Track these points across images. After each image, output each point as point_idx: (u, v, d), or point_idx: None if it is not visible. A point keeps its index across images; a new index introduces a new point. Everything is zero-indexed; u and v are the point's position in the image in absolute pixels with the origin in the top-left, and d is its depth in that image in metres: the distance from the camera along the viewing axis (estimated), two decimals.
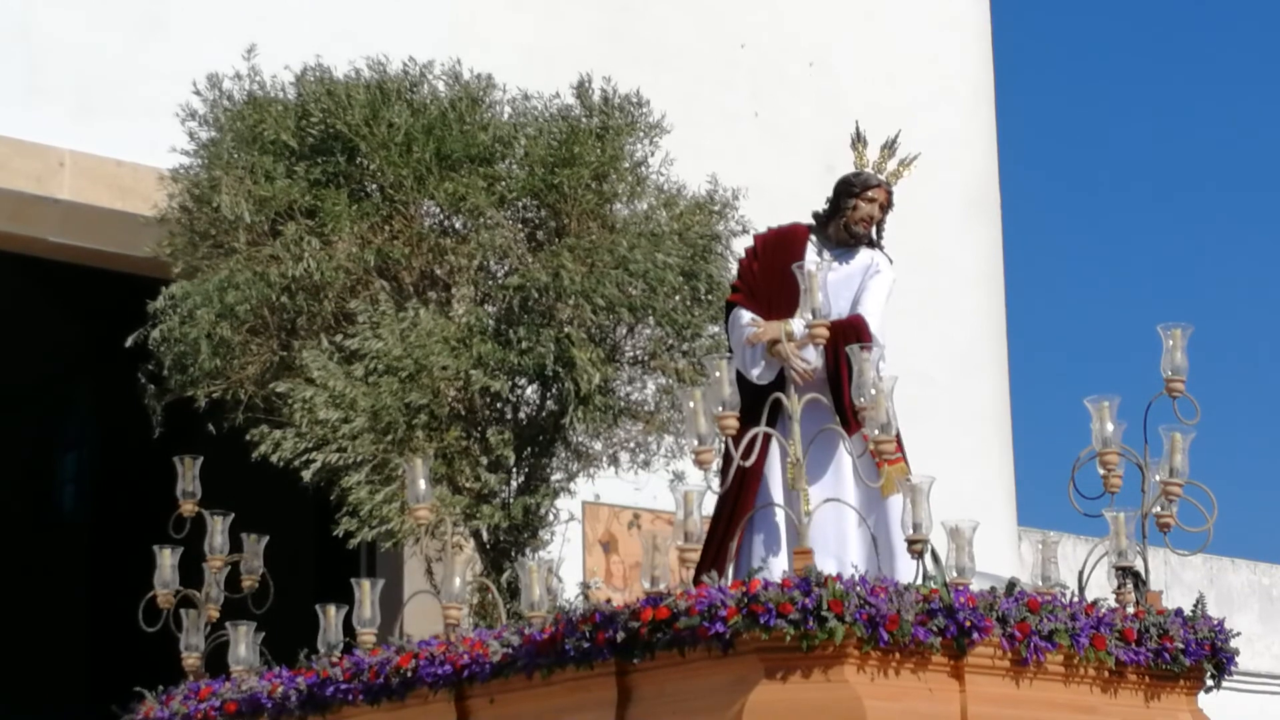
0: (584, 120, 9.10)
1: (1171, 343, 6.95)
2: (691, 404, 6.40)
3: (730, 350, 7.37)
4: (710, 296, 8.98)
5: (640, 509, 11.44)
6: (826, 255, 7.41)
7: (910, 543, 6.29)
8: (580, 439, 9.05)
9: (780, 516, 7.06)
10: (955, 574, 6.25)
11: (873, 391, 6.37)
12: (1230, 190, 30.27)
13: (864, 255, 7.49)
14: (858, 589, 5.88)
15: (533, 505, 8.80)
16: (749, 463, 6.55)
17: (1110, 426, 6.86)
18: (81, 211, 10.86)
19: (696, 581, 6.21)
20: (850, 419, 6.76)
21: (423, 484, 7.28)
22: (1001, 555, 12.64)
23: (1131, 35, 31.23)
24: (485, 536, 8.77)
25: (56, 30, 10.92)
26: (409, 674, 6.87)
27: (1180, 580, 14.46)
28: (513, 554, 8.72)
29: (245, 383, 8.78)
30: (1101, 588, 6.79)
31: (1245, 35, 30.69)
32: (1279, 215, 29.97)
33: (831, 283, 6.98)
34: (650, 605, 6.08)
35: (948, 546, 6.34)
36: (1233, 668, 6.88)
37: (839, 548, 6.98)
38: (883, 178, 7.49)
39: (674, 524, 6.31)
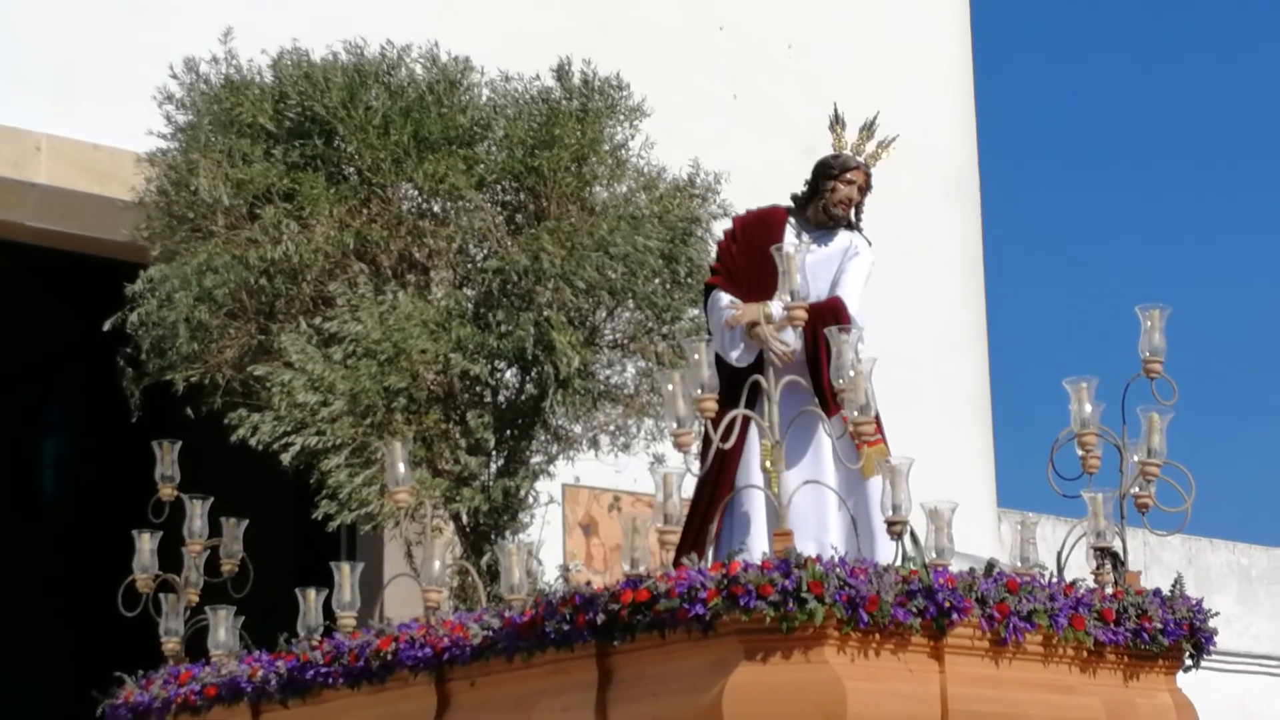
0: (564, 103, 9.08)
1: (1149, 324, 6.96)
2: (671, 387, 6.39)
3: (709, 333, 7.37)
4: (690, 279, 8.98)
5: (620, 491, 11.45)
6: (805, 237, 7.41)
7: (890, 524, 6.30)
8: (560, 422, 9.05)
9: (760, 499, 7.07)
10: (935, 555, 6.26)
11: (851, 373, 6.38)
12: (1208, 173, 30.33)
13: (843, 237, 7.50)
14: (837, 570, 5.88)
15: (513, 488, 8.80)
16: (728, 445, 6.56)
17: (1089, 408, 6.87)
18: (59, 196, 10.83)
19: (676, 564, 6.21)
20: (829, 401, 6.77)
21: (402, 467, 7.27)
22: (981, 536, 12.67)
23: (1110, 18, 31.27)
24: (465, 519, 8.77)
25: (34, 15, 10.87)
26: (389, 657, 6.87)
27: (1159, 560, 14.50)
28: (493, 537, 8.72)
29: (224, 366, 8.76)
30: (1080, 568, 6.81)
31: (1223, 20, 30.74)
32: (1255, 198, 30.05)
33: (810, 265, 6.98)
34: (630, 587, 6.08)
35: (927, 528, 6.35)
36: (1211, 647, 6.90)
37: (819, 529, 6.99)
38: (861, 160, 7.50)
39: (654, 506, 6.30)
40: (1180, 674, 6.90)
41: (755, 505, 7.12)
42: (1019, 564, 6.68)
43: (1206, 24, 30.77)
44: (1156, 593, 6.75)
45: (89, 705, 8.34)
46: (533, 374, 8.84)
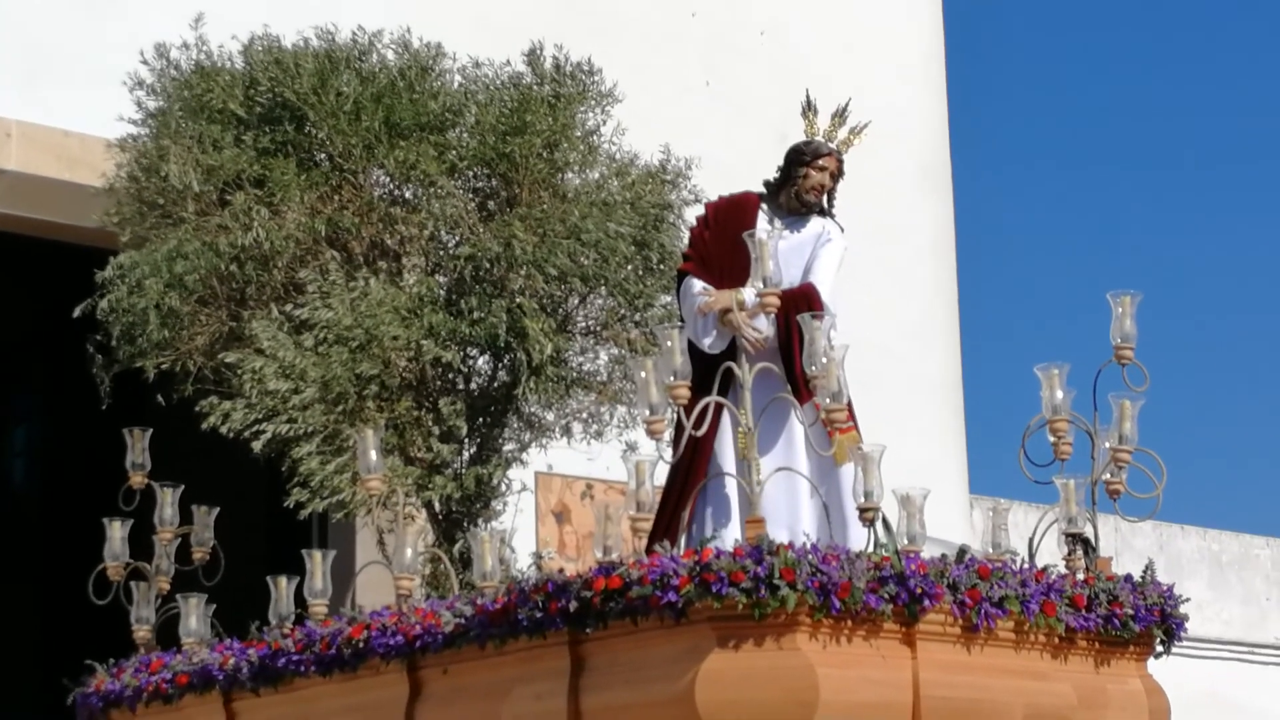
0: (535, 88, 9.07)
1: (1121, 310, 6.97)
2: (643, 374, 6.39)
3: (682, 320, 7.37)
4: (662, 266, 8.97)
5: (593, 479, 11.43)
6: (778, 224, 7.41)
7: (862, 511, 6.30)
8: (532, 409, 9.04)
9: (732, 486, 7.07)
10: (906, 541, 6.27)
11: (824, 360, 6.38)
12: (1183, 159, 30.42)
13: (815, 224, 7.51)
14: (810, 557, 5.89)
15: (485, 476, 8.79)
16: (700, 432, 6.55)
17: (1060, 394, 6.88)
18: (29, 182, 10.78)
19: (649, 551, 6.21)
20: (802, 388, 6.77)
21: (374, 455, 7.25)
22: (953, 523, 12.69)
23: (1082, 6, 31.32)
24: (437, 507, 8.75)
25: (3, 1, 10.81)
26: (361, 645, 6.86)
27: (1130, 547, 14.55)
28: (465, 524, 8.71)
29: (194, 353, 8.73)
30: (1052, 554, 6.82)
31: (1195, 8, 30.82)
32: (1227, 186, 30.15)
33: (783, 251, 6.98)
34: (603, 575, 6.08)
35: (899, 514, 6.36)
36: (1182, 633, 6.92)
37: (791, 516, 6.99)
38: (833, 146, 7.50)
39: (626, 494, 6.31)
40: (1151, 660, 6.92)
41: (728, 492, 7.12)
42: (991, 550, 6.68)
43: (1180, 10, 30.85)
44: (1128, 579, 6.77)
45: (58, 693, 8.31)
46: (505, 361, 8.83)
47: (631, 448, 8.61)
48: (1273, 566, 16.92)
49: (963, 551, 6.38)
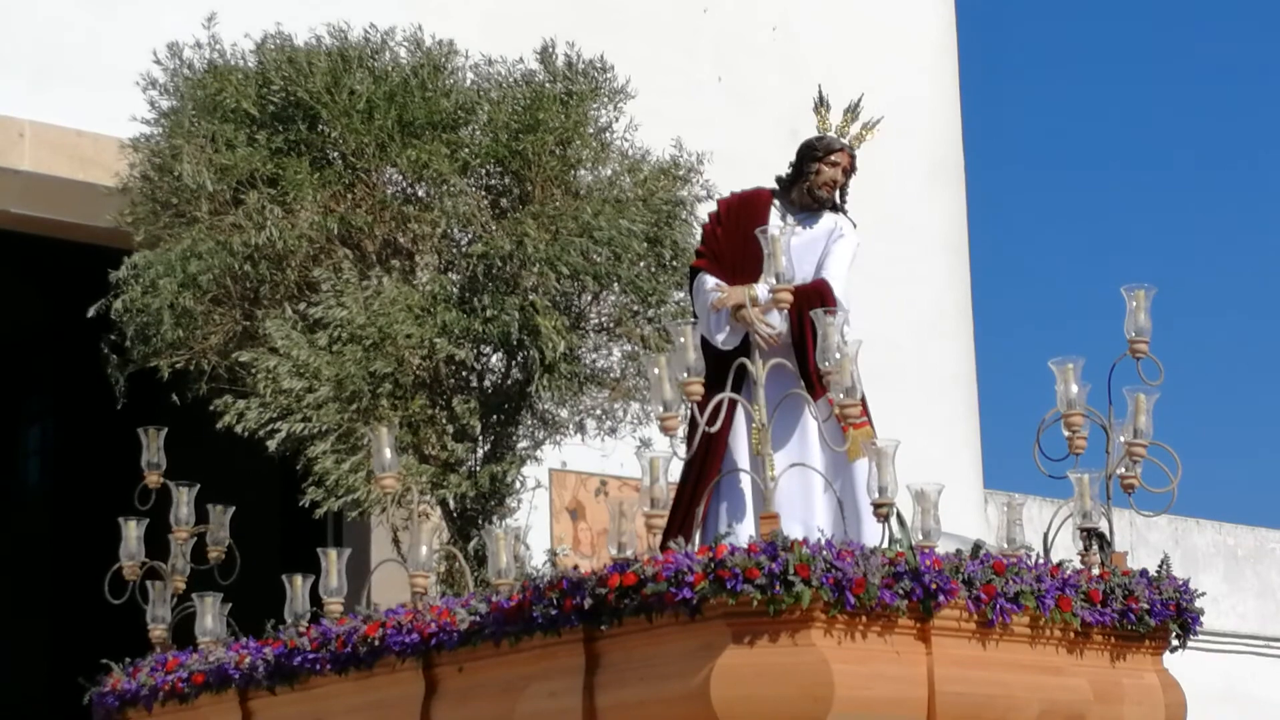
0: (548, 86, 9.07)
1: (1135, 304, 6.96)
2: (657, 370, 6.39)
3: (695, 316, 7.37)
4: (675, 262, 8.97)
5: (607, 476, 11.45)
6: (790, 220, 7.42)
7: (876, 506, 6.30)
8: (546, 406, 9.05)
9: (746, 482, 7.07)
10: (921, 537, 6.26)
11: (837, 356, 6.38)
12: (1193, 154, 30.36)
13: (828, 219, 7.51)
14: (824, 553, 5.89)
15: (499, 473, 8.79)
16: (714, 428, 6.55)
17: (1075, 388, 6.87)
18: (42, 182, 10.79)
19: (663, 548, 6.22)
20: (815, 384, 6.77)
21: (388, 453, 7.27)
22: (967, 518, 12.68)
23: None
24: (452, 505, 8.76)
25: (15, 1, 10.83)
26: (377, 643, 6.87)
27: (1145, 541, 14.52)
28: (480, 522, 8.72)
29: (208, 353, 8.75)
30: (1067, 549, 6.81)
31: (1210, 4, 30.76)
32: (1241, 179, 30.09)
33: (795, 247, 6.98)
34: (617, 572, 6.08)
35: (913, 510, 6.36)
36: (1198, 628, 6.92)
37: (805, 512, 6.99)
38: (846, 142, 7.50)
39: (640, 490, 6.31)
40: (1167, 654, 6.92)
41: (742, 489, 7.13)
42: (1005, 545, 6.68)
43: (1195, 8, 30.79)
44: (1143, 573, 6.76)
45: (72, 693, 8.33)
46: (518, 359, 8.83)
47: (645, 444, 8.60)
48: None
49: (977, 547, 6.38)
